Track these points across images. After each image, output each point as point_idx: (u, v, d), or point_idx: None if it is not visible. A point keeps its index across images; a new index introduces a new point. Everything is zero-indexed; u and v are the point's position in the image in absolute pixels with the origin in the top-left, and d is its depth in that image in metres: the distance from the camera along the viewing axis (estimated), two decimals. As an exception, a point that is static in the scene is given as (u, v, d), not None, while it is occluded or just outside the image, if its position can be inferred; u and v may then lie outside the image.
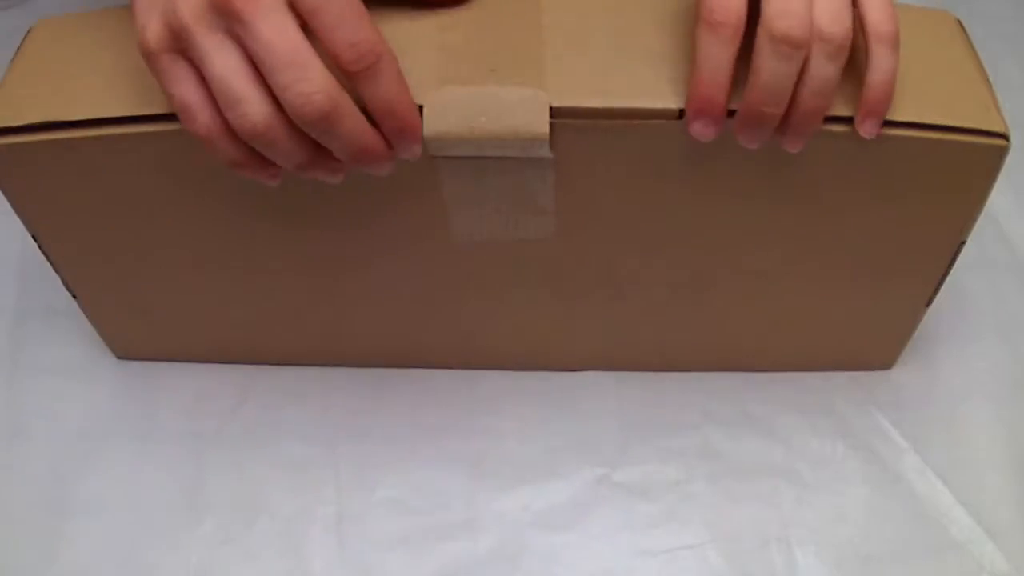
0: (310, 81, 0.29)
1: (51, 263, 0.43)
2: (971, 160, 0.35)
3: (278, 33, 0.29)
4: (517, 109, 0.34)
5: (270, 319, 0.46)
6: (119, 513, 0.43)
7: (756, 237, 0.39)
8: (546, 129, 0.34)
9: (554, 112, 0.34)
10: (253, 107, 0.30)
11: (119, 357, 0.49)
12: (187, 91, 0.31)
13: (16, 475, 0.45)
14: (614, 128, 0.35)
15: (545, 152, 0.35)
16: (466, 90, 0.34)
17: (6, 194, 0.39)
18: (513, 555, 0.42)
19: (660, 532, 0.42)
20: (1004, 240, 0.53)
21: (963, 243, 0.39)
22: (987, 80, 0.36)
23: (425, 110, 0.34)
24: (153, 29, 0.31)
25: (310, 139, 0.31)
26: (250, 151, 0.32)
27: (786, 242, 0.40)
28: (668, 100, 0.34)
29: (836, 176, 0.37)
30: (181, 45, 0.30)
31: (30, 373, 0.48)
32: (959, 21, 0.38)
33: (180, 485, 0.44)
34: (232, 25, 0.29)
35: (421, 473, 0.45)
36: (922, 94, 0.35)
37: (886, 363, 0.47)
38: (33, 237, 0.41)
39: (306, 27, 0.30)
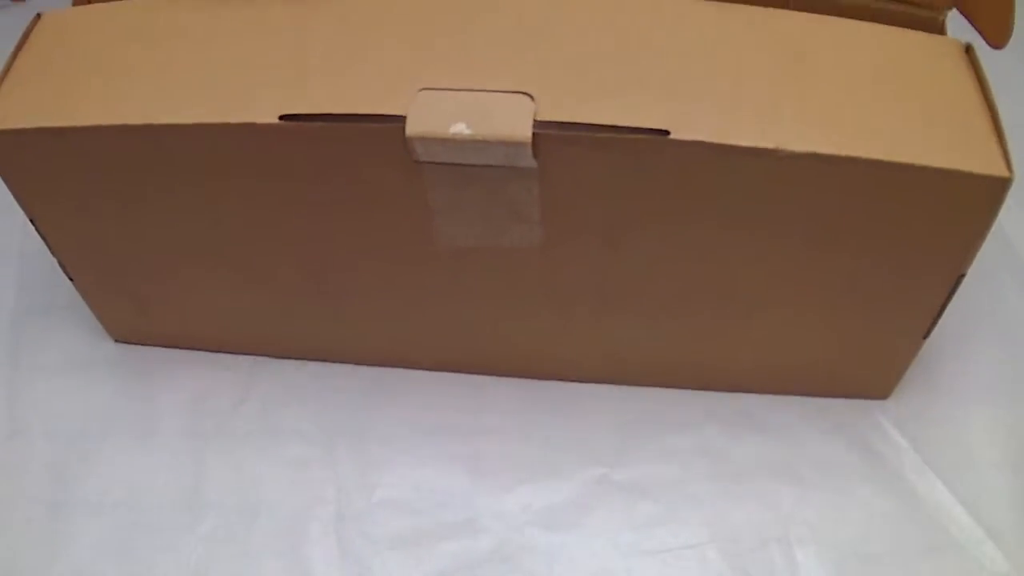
0: None
1: (48, 246, 0.43)
2: (972, 193, 0.34)
3: None
4: (500, 113, 0.33)
5: (267, 311, 0.46)
6: (119, 512, 0.43)
7: (747, 260, 0.39)
8: (528, 134, 0.33)
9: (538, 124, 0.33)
10: None
11: (116, 340, 0.49)
12: None
13: (16, 473, 0.45)
14: (599, 141, 0.34)
15: (528, 161, 0.34)
16: (449, 93, 0.33)
17: (4, 177, 0.39)
18: (513, 555, 0.42)
19: (660, 532, 0.42)
20: (1004, 240, 0.53)
21: (962, 276, 0.38)
22: (993, 112, 0.35)
23: (408, 111, 0.33)
24: None
25: None
26: None
27: (778, 268, 0.39)
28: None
29: (833, 206, 0.36)
30: None
31: (30, 371, 0.48)
32: (968, 46, 0.37)
33: (180, 484, 0.44)
34: None
35: (421, 473, 0.45)
36: (925, 132, 0.34)
37: (883, 393, 0.46)
38: (31, 220, 0.41)
39: None
